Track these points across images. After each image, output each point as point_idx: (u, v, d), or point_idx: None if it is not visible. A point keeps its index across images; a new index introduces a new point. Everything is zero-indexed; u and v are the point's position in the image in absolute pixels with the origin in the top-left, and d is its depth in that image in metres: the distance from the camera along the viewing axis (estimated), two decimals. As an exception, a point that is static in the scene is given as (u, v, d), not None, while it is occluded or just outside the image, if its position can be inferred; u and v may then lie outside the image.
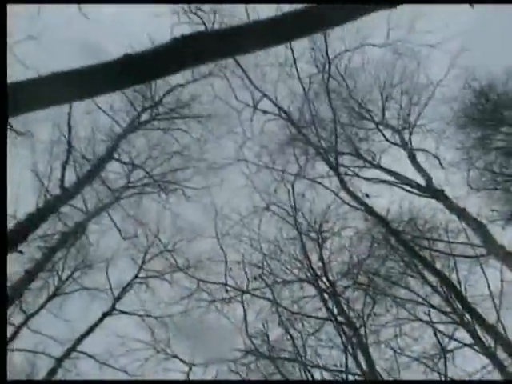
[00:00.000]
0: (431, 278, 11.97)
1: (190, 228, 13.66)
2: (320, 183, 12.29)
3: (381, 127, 12.98)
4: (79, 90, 3.95)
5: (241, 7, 11.91)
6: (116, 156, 12.94)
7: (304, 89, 12.03)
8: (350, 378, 11.24)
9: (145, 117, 13.53)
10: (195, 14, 12.63)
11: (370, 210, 11.76)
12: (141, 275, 14.20)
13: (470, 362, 11.25)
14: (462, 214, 12.07)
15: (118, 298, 13.62)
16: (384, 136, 12.86)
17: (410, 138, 12.84)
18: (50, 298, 13.17)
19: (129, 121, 13.12)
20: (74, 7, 11.66)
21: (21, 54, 10.48)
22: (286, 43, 9.48)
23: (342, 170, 12.52)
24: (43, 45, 11.06)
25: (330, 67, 11.95)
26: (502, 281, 11.59)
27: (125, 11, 13.01)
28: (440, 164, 13.08)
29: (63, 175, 11.47)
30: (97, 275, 13.87)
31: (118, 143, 12.92)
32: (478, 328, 10.44)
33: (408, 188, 12.49)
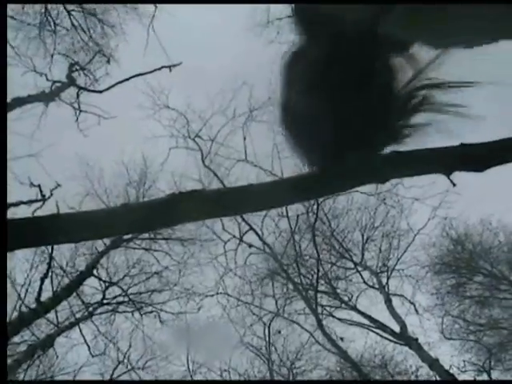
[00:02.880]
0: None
1: (162, 351, 13.42)
2: (297, 323, 12.39)
3: (359, 269, 13.24)
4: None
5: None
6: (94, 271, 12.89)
7: (291, 227, 12.30)
8: None
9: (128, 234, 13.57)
10: (193, 140, 13.06)
11: (343, 355, 11.82)
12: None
13: None
14: (433, 363, 12.17)
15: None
16: (362, 278, 13.12)
17: (387, 282, 13.09)
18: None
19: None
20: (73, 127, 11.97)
21: (20, 171, 10.64)
22: (282, 207, 9.78)
23: (318, 309, 12.64)
24: (42, 162, 11.27)
25: (318, 209, 12.30)
26: None
27: (121, 132, 13.37)
28: (415, 310, 13.31)
29: (41, 289, 11.33)
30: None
31: (99, 260, 12.92)
32: None
33: (382, 333, 12.68)
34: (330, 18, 1.02)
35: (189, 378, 12.84)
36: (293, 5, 1.11)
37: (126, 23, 12.92)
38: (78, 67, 13.22)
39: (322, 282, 13.04)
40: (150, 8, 12.53)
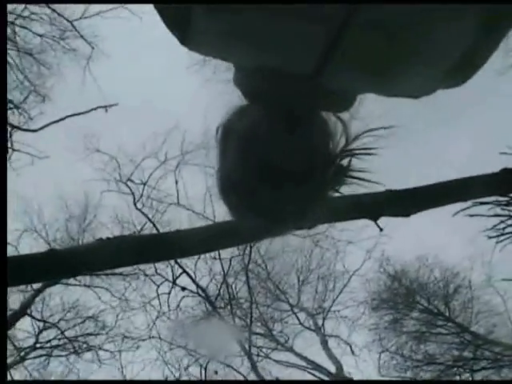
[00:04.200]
0: None
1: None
2: (231, 366, 12.34)
3: (296, 310, 13.29)
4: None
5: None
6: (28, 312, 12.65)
7: (223, 270, 12.29)
8: None
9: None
10: (125, 183, 12.96)
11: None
12: None
13: None
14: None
15: None
16: (298, 319, 13.16)
17: (323, 324, 13.16)
18: None
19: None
20: None
21: None
22: (214, 252, 9.73)
23: (254, 350, 12.64)
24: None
25: (251, 251, 12.30)
26: None
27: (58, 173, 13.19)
28: (351, 351, 13.39)
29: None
30: None
31: (35, 298, 12.70)
32: None
33: (318, 374, 12.74)
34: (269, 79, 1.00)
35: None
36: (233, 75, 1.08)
37: (63, 64, 12.79)
38: (11, 105, 13.01)
39: (259, 324, 13.04)
40: (88, 49, 12.43)
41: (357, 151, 1.04)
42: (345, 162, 1.03)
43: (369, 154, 1.05)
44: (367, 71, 0.97)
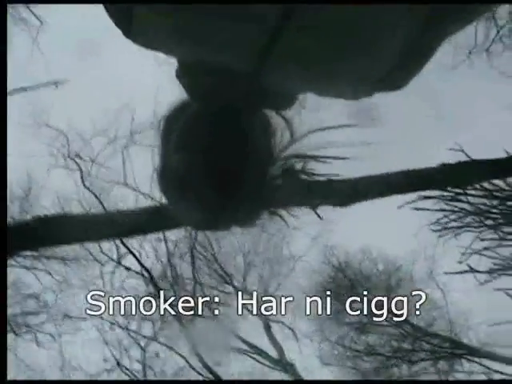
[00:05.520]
0: None
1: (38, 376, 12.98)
2: (172, 348, 12.33)
3: (240, 294, 13.35)
4: None
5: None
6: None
7: (168, 251, 12.30)
8: None
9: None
10: (73, 159, 12.86)
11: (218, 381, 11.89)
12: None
13: None
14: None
15: None
16: (242, 303, 13.19)
17: (266, 308, 13.25)
18: None
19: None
20: None
21: None
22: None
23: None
24: None
25: (196, 233, 12.33)
26: None
27: None
28: (295, 336, 13.51)
29: None
30: None
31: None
32: None
33: (260, 359, 12.84)
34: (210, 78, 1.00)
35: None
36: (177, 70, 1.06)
37: (11, 34, 12.57)
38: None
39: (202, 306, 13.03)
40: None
41: (304, 155, 1.06)
42: (292, 162, 1.05)
43: (317, 159, 1.07)
44: (304, 71, 0.97)
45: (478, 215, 9.67)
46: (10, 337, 13.15)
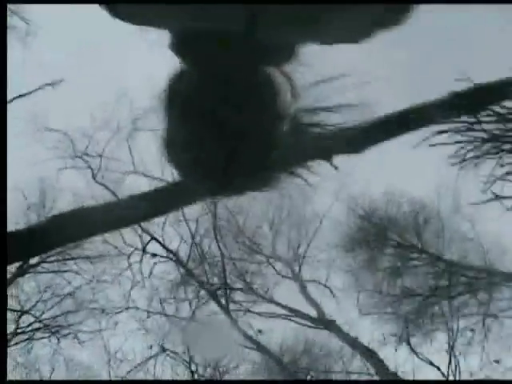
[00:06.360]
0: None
1: (84, 373, 13.25)
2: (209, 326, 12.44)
3: (271, 261, 13.36)
4: None
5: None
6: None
7: (190, 231, 12.28)
8: None
9: (34, 259, 13.24)
10: (81, 158, 12.78)
11: (262, 349, 12.00)
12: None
13: None
14: (353, 343, 12.55)
15: None
16: (275, 269, 13.25)
17: (299, 270, 13.27)
18: None
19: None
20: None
21: None
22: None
23: (234, 306, 12.73)
24: None
25: (216, 207, 12.28)
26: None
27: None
28: (331, 293, 13.54)
29: None
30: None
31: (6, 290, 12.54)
32: None
33: (301, 321, 12.92)
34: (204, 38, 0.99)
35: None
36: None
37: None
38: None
39: (236, 279, 13.08)
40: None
41: (311, 108, 1.04)
42: (300, 116, 1.03)
43: (327, 110, 1.04)
44: (299, 21, 0.95)
45: (494, 141, 9.44)
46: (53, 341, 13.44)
